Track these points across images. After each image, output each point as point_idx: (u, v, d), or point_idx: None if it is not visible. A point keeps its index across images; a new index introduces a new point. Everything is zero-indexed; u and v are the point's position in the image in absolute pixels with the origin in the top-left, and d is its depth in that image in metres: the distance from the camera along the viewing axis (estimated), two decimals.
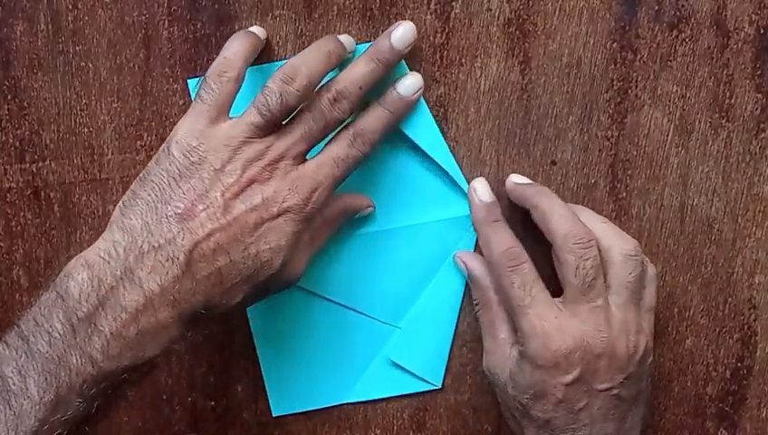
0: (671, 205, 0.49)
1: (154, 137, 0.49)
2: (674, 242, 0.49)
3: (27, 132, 0.50)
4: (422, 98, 0.47)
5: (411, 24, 0.45)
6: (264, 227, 0.40)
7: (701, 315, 0.50)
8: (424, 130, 0.47)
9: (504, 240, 0.45)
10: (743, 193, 0.48)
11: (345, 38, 0.45)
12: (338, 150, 0.43)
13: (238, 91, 0.42)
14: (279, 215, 0.41)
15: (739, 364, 0.50)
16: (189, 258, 0.39)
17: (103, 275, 0.38)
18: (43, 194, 0.50)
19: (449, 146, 0.48)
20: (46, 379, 0.37)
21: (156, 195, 0.40)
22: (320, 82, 0.43)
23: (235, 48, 0.43)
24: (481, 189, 0.46)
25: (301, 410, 0.51)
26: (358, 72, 0.43)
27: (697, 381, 0.50)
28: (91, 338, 0.37)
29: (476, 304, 0.48)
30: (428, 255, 0.49)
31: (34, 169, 0.50)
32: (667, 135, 0.48)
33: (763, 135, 0.48)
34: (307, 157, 0.43)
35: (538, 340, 0.42)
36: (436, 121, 0.48)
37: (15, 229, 0.51)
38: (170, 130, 0.49)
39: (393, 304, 0.49)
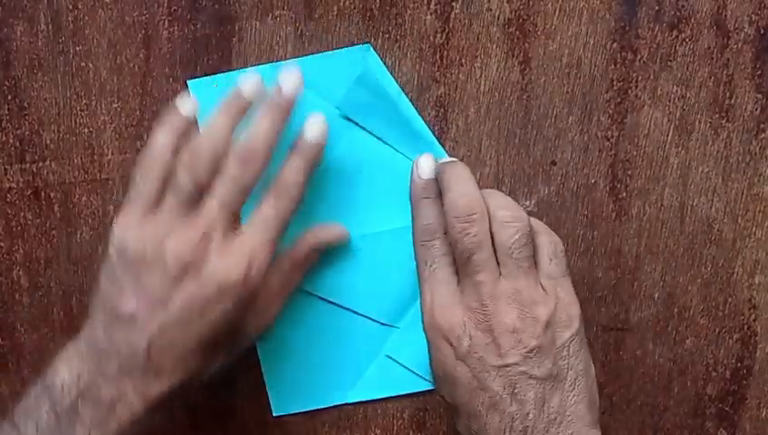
0: (671, 205, 0.49)
1: None
2: (674, 242, 0.49)
3: (27, 132, 0.50)
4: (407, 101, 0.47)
5: (296, 71, 0.44)
6: (210, 311, 0.41)
7: (701, 315, 0.50)
8: (417, 134, 0.47)
9: (425, 215, 0.45)
10: (743, 193, 0.48)
11: (249, 86, 0.44)
12: (266, 211, 0.43)
13: (165, 181, 0.43)
14: (221, 296, 0.41)
15: (739, 364, 0.50)
16: (149, 354, 0.41)
17: (81, 370, 0.41)
18: (43, 194, 0.50)
19: (449, 146, 0.48)
20: None
21: (106, 300, 0.42)
22: (228, 144, 0.42)
23: (160, 141, 0.43)
24: (423, 165, 0.46)
25: (301, 410, 0.51)
26: (261, 130, 0.42)
27: (697, 381, 0.50)
28: (74, 427, 0.40)
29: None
30: None
31: (34, 169, 0.50)
32: (667, 135, 0.48)
33: (763, 135, 0.48)
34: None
35: (426, 316, 0.43)
36: (437, 121, 0.48)
37: (15, 229, 0.51)
38: None
39: (392, 305, 0.49)
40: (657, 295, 0.49)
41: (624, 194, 0.49)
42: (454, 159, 0.47)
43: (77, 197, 0.50)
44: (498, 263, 0.42)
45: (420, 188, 0.46)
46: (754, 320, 0.49)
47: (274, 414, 0.51)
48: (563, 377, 0.41)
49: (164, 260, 0.41)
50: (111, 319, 0.41)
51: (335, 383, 0.50)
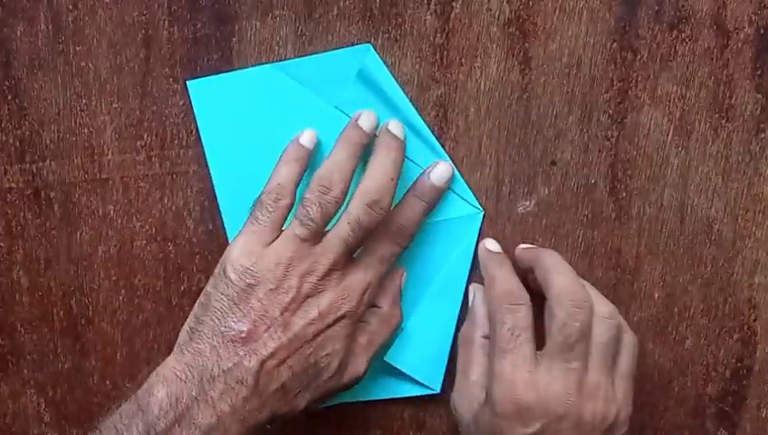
0: (671, 205, 0.49)
1: (154, 137, 0.49)
2: (674, 242, 0.49)
3: (27, 132, 0.50)
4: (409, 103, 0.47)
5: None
6: (322, 336, 0.43)
7: (701, 315, 0.50)
8: (418, 135, 0.47)
9: (506, 279, 0.46)
10: (743, 193, 0.48)
11: (366, 121, 0.46)
12: (382, 250, 0.45)
13: (289, 211, 0.44)
14: (335, 323, 0.43)
15: (739, 364, 0.50)
16: (257, 379, 0.41)
17: (180, 393, 0.40)
18: (43, 194, 0.50)
19: (449, 146, 0.48)
20: None
21: (218, 319, 0.42)
22: (352, 179, 0.44)
23: (287, 174, 0.44)
24: (491, 243, 0.48)
25: None
26: (385, 169, 0.44)
27: (697, 381, 0.50)
28: None
29: (459, 339, 0.48)
30: (429, 256, 0.49)
31: (34, 169, 0.50)
32: (667, 135, 0.48)
33: (763, 135, 0.48)
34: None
35: (504, 386, 0.43)
36: (437, 121, 0.48)
37: (15, 229, 0.51)
38: (170, 130, 0.49)
39: None
40: (657, 295, 0.49)
41: (624, 194, 0.49)
42: (541, 249, 0.48)
43: (77, 197, 0.50)
44: (587, 354, 0.43)
45: (492, 259, 0.47)
46: (754, 320, 0.49)
47: None
48: None
49: (289, 286, 0.42)
50: (223, 340, 0.41)
51: None
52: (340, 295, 0.43)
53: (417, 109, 0.48)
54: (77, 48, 0.48)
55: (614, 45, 0.47)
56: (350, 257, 0.44)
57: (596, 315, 0.43)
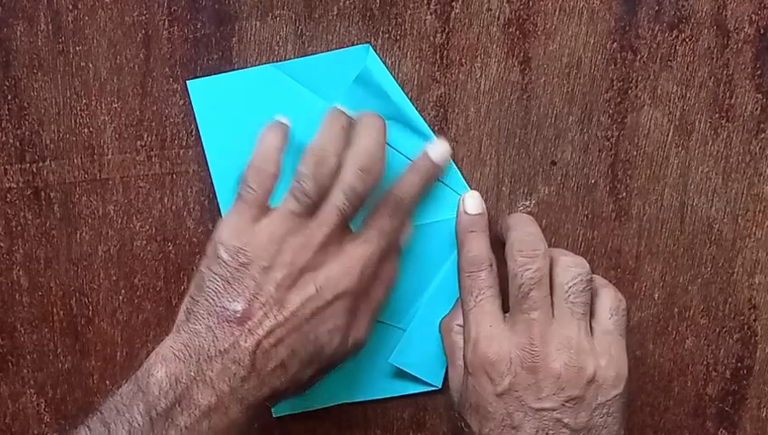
0: (671, 205, 0.49)
1: (154, 137, 0.49)
2: (674, 242, 0.49)
3: (27, 132, 0.50)
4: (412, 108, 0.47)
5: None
6: (321, 314, 0.42)
7: (701, 315, 0.50)
8: (418, 134, 0.48)
9: (472, 247, 0.45)
10: (743, 193, 0.48)
11: (343, 109, 0.45)
12: (381, 223, 0.44)
13: (275, 184, 0.43)
14: (334, 299, 0.42)
15: (739, 364, 0.50)
16: (254, 358, 0.40)
17: (179, 373, 0.40)
18: (43, 194, 0.50)
19: (450, 146, 0.48)
20: None
21: (213, 300, 0.41)
22: (344, 148, 0.43)
23: (270, 142, 0.43)
24: (470, 202, 0.47)
25: (301, 411, 0.51)
26: (373, 136, 0.43)
27: (697, 381, 0.50)
28: (167, 431, 0.39)
29: (440, 331, 0.48)
30: (429, 256, 0.49)
31: (34, 169, 0.50)
32: (667, 135, 0.48)
33: (763, 135, 0.48)
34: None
35: (469, 345, 0.42)
36: (437, 121, 0.48)
37: (15, 229, 0.51)
38: (170, 130, 0.49)
39: (394, 305, 0.49)
40: (657, 295, 0.49)
41: (624, 194, 0.49)
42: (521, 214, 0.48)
43: (77, 197, 0.50)
44: (553, 306, 0.42)
45: (467, 222, 0.46)
46: (754, 320, 0.49)
47: (275, 415, 0.51)
48: (597, 433, 0.41)
49: (284, 263, 0.41)
50: (219, 320, 0.40)
51: (335, 383, 0.50)
52: (338, 270, 0.42)
53: (417, 109, 0.48)
54: (77, 48, 0.48)
55: (614, 45, 0.47)
56: (347, 230, 0.43)
57: (558, 265, 0.43)
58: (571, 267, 0.43)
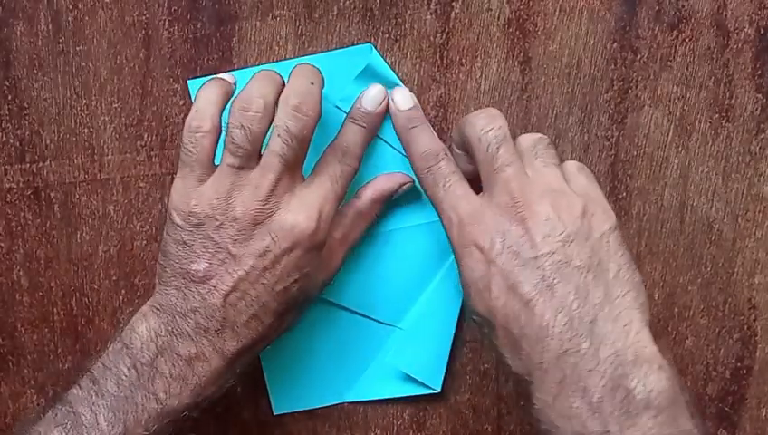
0: (671, 205, 0.49)
1: (154, 137, 0.49)
2: (674, 242, 0.49)
3: (27, 132, 0.50)
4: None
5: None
6: (282, 263, 0.42)
7: (701, 315, 0.50)
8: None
9: (420, 143, 0.44)
10: (743, 193, 0.48)
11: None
12: (331, 169, 0.44)
13: (218, 139, 0.42)
14: (293, 247, 0.42)
15: (739, 364, 0.50)
16: (224, 313, 0.41)
17: (158, 329, 0.42)
18: (43, 194, 0.50)
19: (450, 146, 0.48)
20: (115, 414, 0.41)
21: (176, 263, 0.42)
22: (274, 103, 0.42)
23: (206, 96, 0.43)
24: (399, 98, 0.46)
25: (302, 409, 0.51)
26: (302, 77, 0.43)
27: (697, 381, 0.50)
28: (154, 380, 0.41)
29: None
30: (428, 255, 0.49)
31: (35, 169, 0.50)
32: (667, 135, 0.48)
33: (763, 135, 0.48)
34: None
35: (453, 229, 0.41)
36: (436, 121, 0.48)
37: (16, 229, 0.51)
38: (170, 130, 0.49)
39: (394, 305, 0.49)
40: (657, 295, 0.49)
41: (624, 194, 0.49)
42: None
43: (77, 197, 0.50)
44: (524, 165, 0.41)
45: (405, 119, 0.45)
46: (754, 320, 0.49)
47: (275, 413, 0.51)
48: (605, 268, 0.39)
49: (234, 218, 0.41)
50: (185, 281, 0.42)
51: (335, 382, 0.50)
52: (292, 217, 0.41)
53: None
54: (77, 48, 0.48)
55: (614, 45, 0.47)
56: (295, 176, 0.43)
57: (517, 138, 0.42)
58: (530, 134, 0.43)
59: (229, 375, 0.43)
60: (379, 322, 0.49)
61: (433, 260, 0.49)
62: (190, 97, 0.48)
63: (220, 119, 0.42)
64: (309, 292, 0.44)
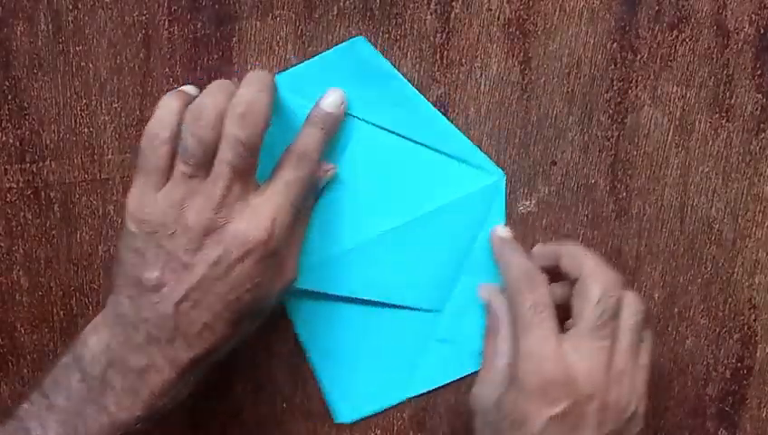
0: (671, 205, 0.49)
1: None
2: (674, 242, 0.49)
3: (27, 132, 0.50)
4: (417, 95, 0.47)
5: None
6: (236, 272, 0.41)
7: (701, 315, 0.50)
8: (425, 117, 0.48)
9: (524, 262, 0.45)
10: (743, 193, 0.48)
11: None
12: (286, 174, 0.43)
13: (174, 148, 0.42)
14: (245, 257, 0.41)
15: (739, 364, 0.50)
16: (176, 322, 0.41)
17: (109, 340, 0.41)
18: (43, 194, 0.50)
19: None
20: (65, 429, 0.40)
21: (129, 271, 0.42)
22: (229, 102, 0.42)
23: (166, 106, 0.43)
24: (500, 230, 0.48)
25: (366, 416, 0.50)
26: (256, 86, 0.42)
27: (697, 381, 0.50)
28: (104, 393, 0.41)
29: (486, 333, 0.48)
30: (459, 233, 0.48)
31: (34, 169, 0.50)
32: (667, 135, 0.48)
33: (763, 135, 0.48)
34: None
35: (532, 362, 0.42)
36: None
37: (15, 229, 0.51)
38: None
39: (432, 291, 0.49)
40: (657, 295, 0.49)
41: (624, 194, 0.49)
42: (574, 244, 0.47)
43: (77, 197, 0.50)
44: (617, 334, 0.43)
45: (506, 245, 0.47)
46: (754, 320, 0.49)
47: (336, 421, 0.51)
48: None
49: (186, 226, 0.41)
50: (137, 290, 0.41)
51: (393, 380, 0.50)
52: (245, 226, 0.41)
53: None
54: (77, 48, 0.48)
55: (614, 45, 0.47)
56: (248, 184, 0.42)
57: (625, 299, 0.43)
58: (634, 304, 0.43)
59: (182, 386, 0.42)
60: (421, 310, 0.49)
61: (463, 236, 0.48)
62: None
63: (179, 127, 0.42)
64: (263, 301, 0.43)
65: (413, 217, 0.48)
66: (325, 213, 0.48)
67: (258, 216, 0.41)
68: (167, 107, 0.42)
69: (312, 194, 0.47)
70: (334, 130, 0.46)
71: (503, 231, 0.48)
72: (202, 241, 0.41)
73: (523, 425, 0.41)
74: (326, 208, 0.48)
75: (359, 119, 0.48)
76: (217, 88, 0.42)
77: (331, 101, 0.46)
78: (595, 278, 0.43)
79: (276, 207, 0.42)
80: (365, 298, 0.49)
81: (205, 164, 0.41)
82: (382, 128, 0.48)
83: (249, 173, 0.42)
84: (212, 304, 0.41)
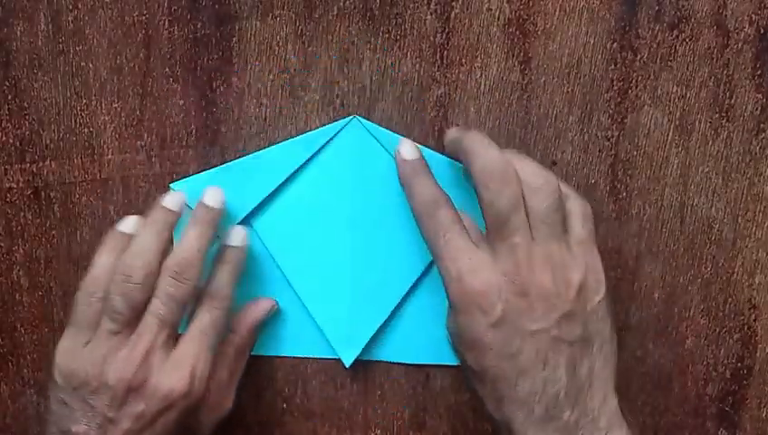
0: (671, 205, 0.49)
1: (154, 137, 0.49)
2: (674, 242, 0.49)
3: (27, 132, 0.50)
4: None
5: (219, 189, 0.46)
6: (160, 422, 0.43)
7: (701, 315, 0.50)
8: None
9: (421, 191, 0.44)
10: (743, 193, 0.48)
11: (172, 199, 0.46)
12: (201, 322, 0.45)
13: (101, 305, 0.43)
14: (169, 407, 0.43)
15: (739, 364, 0.50)
16: None
17: None
18: (43, 194, 0.50)
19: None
20: None
21: (57, 421, 0.43)
22: (158, 268, 0.43)
23: (102, 262, 0.44)
24: (406, 149, 0.45)
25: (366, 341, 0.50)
26: (189, 241, 0.44)
27: (697, 381, 0.50)
28: None
29: None
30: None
31: (35, 169, 0.50)
32: (667, 135, 0.48)
33: (763, 135, 0.48)
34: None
35: (453, 284, 0.41)
36: (436, 121, 0.48)
37: (15, 229, 0.51)
38: (170, 131, 0.49)
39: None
40: (657, 295, 0.49)
41: (624, 194, 0.49)
42: (466, 128, 0.46)
43: (77, 197, 0.50)
44: (530, 227, 0.41)
45: (409, 169, 0.45)
46: (754, 320, 0.49)
47: (347, 366, 0.51)
48: (591, 341, 0.41)
49: (107, 384, 0.42)
50: None
51: (382, 302, 0.50)
52: (164, 380, 0.43)
53: (418, 110, 0.48)
54: (77, 48, 0.48)
55: (614, 45, 0.47)
56: (172, 335, 0.44)
57: (528, 187, 0.41)
58: (541, 187, 0.41)
59: None
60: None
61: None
62: (190, 98, 0.48)
63: (106, 286, 0.43)
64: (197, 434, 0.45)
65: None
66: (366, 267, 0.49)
67: (178, 369, 0.43)
68: (102, 265, 0.44)
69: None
70: (242, 263, 0.47)
71: (408, 152, 0.45)
72: (125, 397, 0.42)
73: (475, 344, 0.41)
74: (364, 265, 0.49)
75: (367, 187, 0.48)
76: (152, 231, 0.44)
77: (235, 236, 0.47)
78: (481, 182, 0.41)
79: (194, 359, 0.44)
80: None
81: (130, 321, 0.43)
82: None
83: (174, 325, 0.44)
84: None
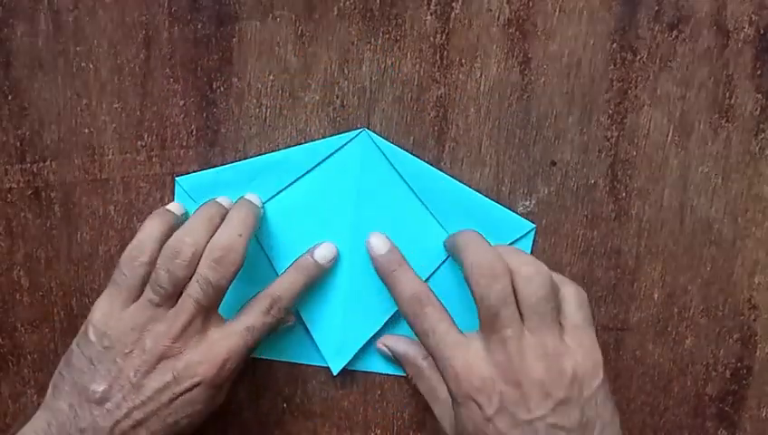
0: (671, 205, 0.49)
1: (154, 137, 0.49)
2: (674, 242, 0.49)
3: (27, 132, 0.50)
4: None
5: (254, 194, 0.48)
6: (179, 400, 0.43)
7: (701, 315, 0.50)
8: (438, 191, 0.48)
9: (405, 287, 0.45)
10: (743, 193, 0.48)
11: (224, 199, 0.47)
12: (252, 320, 0.45)
13: (151, 271, 0.44)
14: (192, 387, 0.43)
15: (739, 364, 0.50)
16: None
17: None
18: (43, 194, 0.50)
19: (449, 146, 0.48)
20: None
21: (78, 378, 0.43)
22: (203, 250, 0.44)
23: (148, 230, 0.45)
24: (375, 243, 0.48)
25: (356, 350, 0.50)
26: (233, 233, 0.44)
27: (697, 381, 0.50)
28: None
29: (412, 380, 0.48)
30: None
31: (35, 169, 0.50)
32: (667, 135, 0.48)
33: (763, 135, 0.48)
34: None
35: (452, 381, 0.42)
36: (436, 121, 0.48)
37: (16, 229, 0.51)
38: (170, 131, 0.49)
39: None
40: (657, 295, 0.49)
41: (624, 194, 0.49)
42: (463, 230, 0.47)
43: (77, 197, 0.50)
44: (522, 318, 0.42)
45: (385, 263, 0.47)
46: (754, 320, 0.49)
47: (335, 373, 0.51)
48: (592, 426, 0.41)
49: (143, 349, 0.43)
50: (79, 399, 0.43)
51: (371, 314, 0.50)
52: (197, 359, 0.43)
53: (418, 112, 0.48)
54: (77, 48, 0.49)
55: (614, 45, 0.47)
56: (210, 318, 0.44)
57: (520, 278, 0.42)
58: (532, 277, 0.42)
59: None
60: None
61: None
62: (190, 98, 0.48)
63: (159, 252, 0.44)
64: (195, 425, 0.45)
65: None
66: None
67: (213, 352, 0.44)
68: (149, 233, 0.45)
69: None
70: (317, 279, 0.48)
71: (379, 246, 0.48)
72: (155, 365, 0.43)
73: (477, 432, 0.42)
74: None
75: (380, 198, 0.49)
76: (202, 220, 0.45)
77: (322, 254, 0.48)
78: (471, 277, 0.42)
79: (231, 349, 0.44)
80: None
81: (172, 296, 0.44)
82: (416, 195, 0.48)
83: (213, 308, 0.44)
84: (151, 425, 0.43)
